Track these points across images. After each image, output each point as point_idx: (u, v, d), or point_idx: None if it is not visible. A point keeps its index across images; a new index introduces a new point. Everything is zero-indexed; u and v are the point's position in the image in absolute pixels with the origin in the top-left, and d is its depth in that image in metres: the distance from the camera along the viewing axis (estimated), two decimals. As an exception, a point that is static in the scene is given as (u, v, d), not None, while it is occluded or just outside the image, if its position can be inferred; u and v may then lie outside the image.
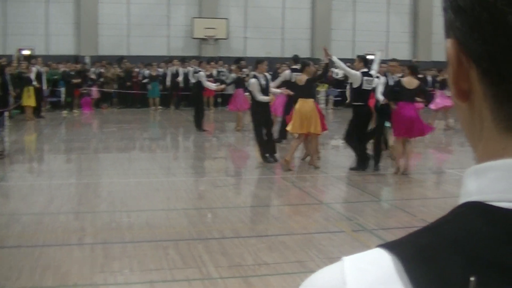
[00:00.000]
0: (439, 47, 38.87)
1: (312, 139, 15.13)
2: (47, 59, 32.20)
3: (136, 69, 33.37)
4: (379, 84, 14.86)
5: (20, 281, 7.13)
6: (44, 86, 28.84)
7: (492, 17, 0.75)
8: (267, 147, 15.83)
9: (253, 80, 15.89)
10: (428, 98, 17.75)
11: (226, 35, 37.61)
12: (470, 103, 0.84)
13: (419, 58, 39.65)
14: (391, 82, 14.79)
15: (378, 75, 15.11)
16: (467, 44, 0.80)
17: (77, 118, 28.77)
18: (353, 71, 14.85)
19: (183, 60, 33.58)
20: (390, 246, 0.80)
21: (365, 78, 14.63)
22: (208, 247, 8.58)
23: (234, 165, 17.00)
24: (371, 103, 15.10)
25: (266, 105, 15.79)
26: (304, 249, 8.50)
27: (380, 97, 14.65)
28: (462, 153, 19.16)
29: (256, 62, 16.20)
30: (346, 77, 20.32)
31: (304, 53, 35.26)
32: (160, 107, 32.64)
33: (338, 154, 17.84)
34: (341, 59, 15.59)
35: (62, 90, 30.96)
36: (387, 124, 14.96)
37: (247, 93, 19.81)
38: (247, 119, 21.06)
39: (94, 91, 31.97)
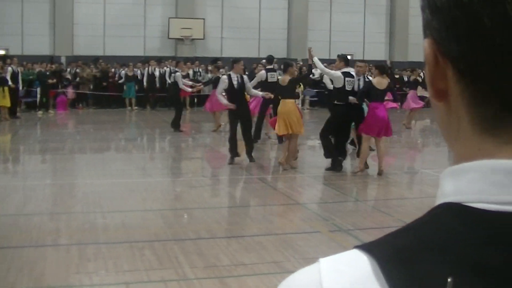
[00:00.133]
0: (416, 47, 39.12)
1: (292, 138, 15.15)
2: (22, 59, 31.98)
3: (112, 69, 33.27)
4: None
5: (-6, 283, 7.08)
6: (20, 86, 28.65)
7: (468, 18, 0.75)
8: (247, 147, 15.82)
9: (224, 77, 15.99)
10: (395, 98, 17.85)
11: (203, 35, 37.57)
12: (447, 103, 0.83)
13: (396, 59, 39.90)
14: (360, 83, 14.81)
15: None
16: (444, 44, 0.80)
17: (53, 119, 28.63)
18: (333, 72, 14.87)
19: (160, 60, 33.54)
20: (367, 247, 0.80)
21: (347, 79, 14.67)
22: (184, 248, 8.56)
23: (210, 165, 16.99)
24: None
25: (244, 104, 15.78)
26: (281, 250, 8.50)
27: (350, 97, 14.70)
28: (439, 153, 19.29)
29: (232, 62, 16.21)
30: (322, 77, 20.30)
31: (280, 54, 35.35)
32: (136, 107, 32.57)
33: (315, 155, 17.85)
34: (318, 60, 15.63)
35: (38, 90, 30.76)
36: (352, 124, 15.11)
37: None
38: (224, 119, 21.05)
39: (70, 92, 31.81)
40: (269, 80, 18.99)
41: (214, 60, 29.05)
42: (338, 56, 15.76)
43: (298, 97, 15.99)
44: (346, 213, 11.06)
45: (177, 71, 23.58)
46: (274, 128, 15.82)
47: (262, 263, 7.95)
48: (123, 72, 32.72)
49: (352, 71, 15.05)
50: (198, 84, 25.91)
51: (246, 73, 22.80)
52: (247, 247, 8.64)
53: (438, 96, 0.84)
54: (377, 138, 14.36)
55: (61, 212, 10.66)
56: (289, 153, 15.20)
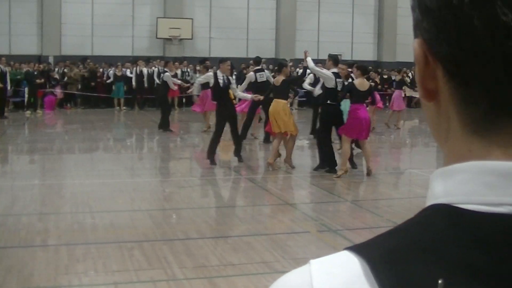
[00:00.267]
0: (404, 48, 39.14)
1: (289, 139, 15.15)
2: (10, 59, 31.83)
3: (100, 69, 33.22)
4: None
5: (-18, 284, 7.06)
6: (8, 86, 28.56)
7: (458, 20, 0.75)
8: (235, 146, 15.83)
9: (210, 74, 16.02)
10: (374, 101, 17.94)
11: (191, 35, 37.52)
12: (437, 103, 0.83)
13: (384, 59, 39.94)
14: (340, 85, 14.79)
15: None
16: (434, 45, 0.80)
17: (41, 119, 28.54)
18: (325, 72, 14.85)
19: (148, 60, 33.50)
20: (357, 249, 0.80)
21: (337, 79, 14.68)
22: (173, 248, 8.56)
23: (199, 166, 16.95)
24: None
25: (229, 104, 15.77)
26: (269, 250, 8.50)
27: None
28: (427, 153, 19.33)
29: (219, 62, 16.23)
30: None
31: (268, 54, 35.38)
32: (124, 107, 32.51)
33: (303, 155, 17.86)
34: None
35: (25, 90, 30.66)
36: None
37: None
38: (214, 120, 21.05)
39: (58, 92, 31.72)
40: (259, 80, 19.05)
41: (202, 60, 29.00)
42: (329, 56, 15.76)
43: (289, 98, 15.92)
44: (335, 213, 11.08)
45: (166, 71, 23.54)
46: (269, 131, 15.87)
47: (251, 263, 7.95)
48: (111, 72, 32.67)
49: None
50: (187, 84, 25.94)
51: (235, 73, 22.82)
52: (236, 247, 8.64)
53: (428, 96, 0.84)
54: (359, 139, 14.32)
55: (50, 213, 10.63)
56: (287, 152, 15.18)
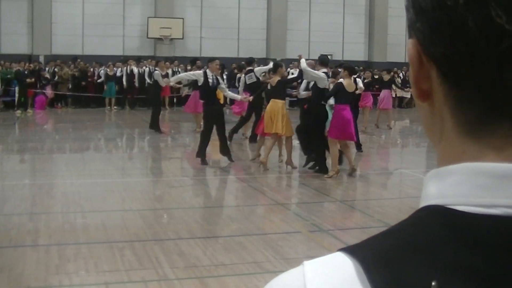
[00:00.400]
0: (395, 48, 39.17)
1: (287, 140, 15.16)
2: (0, 58, 31.83)
3: (91, 69, 33.17)
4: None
5: (-27, 284, 7.04)
6: (-2, 86, 28.54)
7: (452, 21, 0.75)
8: (222, 146, 15.79)
9: (200, 72, 16.03)
10: (357, 102, 18.07)
11: (182, 35, 37.48)
12: (431, 104, 0.83)
13: (375, 59, 39.97)
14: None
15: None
16: (428, 46, 0.79)
17: (31, 118, 28.49)
18: (317, 73, 14.84)
19: (139, 60, 33.47)
20: (351, 250, 0.80)
21: (329, 79, 14.71)
22: (164, 248, 8.55)
23: (190, 165, 16.93)
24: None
25: (217, 104, 15.76)
26: (261, 250, 8.51)
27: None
28: (418, 154, 19.36)
29: (208, 61, 16.24)
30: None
31: (259, 54, 35.32)
32: (115, 107, 32.46)
33: (294, 155, 17.84)
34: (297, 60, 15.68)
35: (16, 89, 30.58)
36: None
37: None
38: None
39: (49, 91, 31.65)
40: (247, 82, 19.10)
41: (193, 60, 28.97)
42: (318, 57, 15.78)
43: (284, 98, 15.94)
44: (326, 214, 11.09)
45: (156, 70, 23.52)
46: (259, 133, 15.88)
47: (242, 263, 7.95)
48: (102, 71, 32.63)
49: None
50: (178, 86, 25.98)
51: (225, 73, 22.83)
52: (227, 247, 8.64)
53: (422, 96, 0.84)
54: (342, 140, 14.26)
55: (41, 212, 10.61)
56: (287, 153, 15.16)
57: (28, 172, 15.22)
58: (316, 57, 16.06)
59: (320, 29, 40.12)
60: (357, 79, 18.81)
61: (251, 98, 16.81)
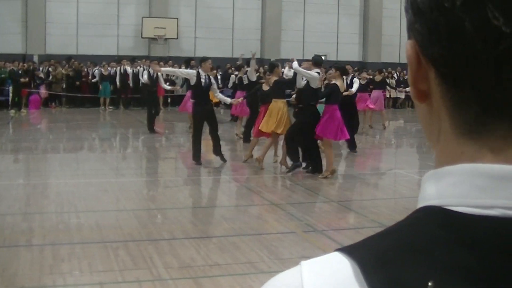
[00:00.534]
0: (389, 48, 39.24)
1: (272, 138, 15.16)
2: (-6, 58, 31.85)
3: (85, 69, 33.15)
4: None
5: (-34, 284, 7.03)
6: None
7: (449, 22, 0.75)
8: (214, 146, 15.76)
9: (193, 72, 15.99)
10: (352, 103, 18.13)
11: (176, 35, 37.47)
12: (429, 104, 0.84)
13: (369, 60, 40.01)
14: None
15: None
16: (426, 47, 0.80)
17: (25, 118, 28.44)
18: (310, 73, 14.81)
19: (133, 59, 33.45)
20: (348, 250, 0.80)
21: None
22: (158, 248, 8.54)
23: (184, 165, 16.91)
24: None
25: (209, 104, 15.73)
26: (255, 250, 8.50)
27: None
28: (412, 154, 19.38)
29: (200, 61, 16.21)
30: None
31: (254, 54, 35.26)
32: (110, 107, 32.45)
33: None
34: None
35: (10, 89, 30.54)
36: None
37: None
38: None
39: (43, 91, 31.61)
40: (244, 82, 19.22)
41: (187, 60, 28.94)
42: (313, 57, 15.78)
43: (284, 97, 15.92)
44: (320, 214, 11.08)
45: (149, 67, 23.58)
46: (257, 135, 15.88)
47: (237, 263, 7.94)
48: (97, 71, 32.62)
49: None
50: (173, 88, 26.06)
51: (220, 73, 22.84)
52: (222, 248, 8.64)
53: (420, 97, 0.84)
54: (334, 140, 14.29)
55: (35, 212, 10.59)
56: (283, 154, 15.15)
57: (22, 172, 15.20)
58: (310, 58, 16.03)
59: (314, 29, 40.17)
60: (354, 79, 18.87)
61: (240, 99, 16.81)
